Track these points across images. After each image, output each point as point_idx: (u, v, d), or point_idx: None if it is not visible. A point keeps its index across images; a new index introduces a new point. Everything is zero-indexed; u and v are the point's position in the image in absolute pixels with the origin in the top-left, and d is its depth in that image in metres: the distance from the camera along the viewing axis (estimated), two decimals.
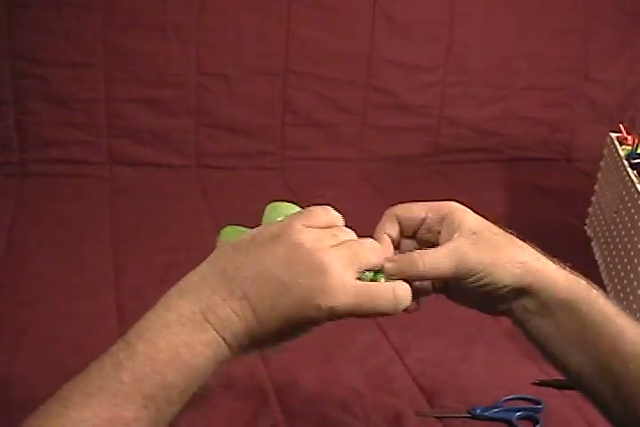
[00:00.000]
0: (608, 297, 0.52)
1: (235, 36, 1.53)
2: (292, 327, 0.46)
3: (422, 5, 1.62)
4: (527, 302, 0.52)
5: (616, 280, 1.09)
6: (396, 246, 0.54)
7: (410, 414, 0.83)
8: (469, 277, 0.50)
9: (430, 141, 1.74)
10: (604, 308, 0.51)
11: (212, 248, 0.49)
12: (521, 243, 0.53)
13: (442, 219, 0.52)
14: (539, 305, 0.51)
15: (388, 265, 0.50)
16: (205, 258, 0.48)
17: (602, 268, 1.20)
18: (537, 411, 0.83)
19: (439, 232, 0.53)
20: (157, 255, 1.17)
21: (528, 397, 0.85)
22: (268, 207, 0.54)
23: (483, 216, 0.54)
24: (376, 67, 1.63)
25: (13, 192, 1.41)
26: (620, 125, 1.29)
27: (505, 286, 0.50)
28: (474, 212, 0.54)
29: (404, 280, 0.49)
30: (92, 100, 1.49)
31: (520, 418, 0.82)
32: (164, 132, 1.56)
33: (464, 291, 0.52)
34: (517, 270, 0.50)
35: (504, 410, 0.83)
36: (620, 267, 1.08)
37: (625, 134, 1.27)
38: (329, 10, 1.57)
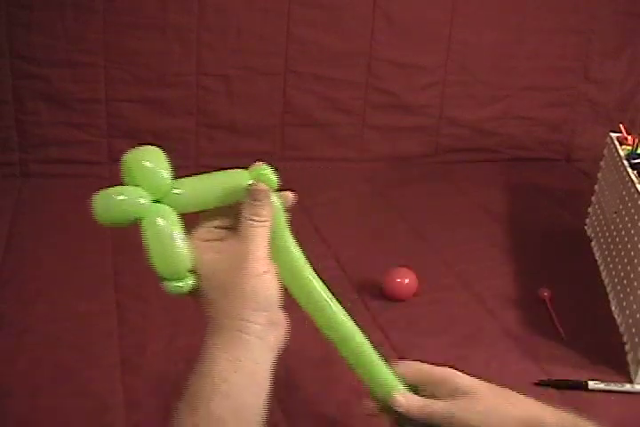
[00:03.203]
0: None
1: (235, 36, 1.53)
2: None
3: (422, 5, 1.62)
4: None
5: (616, 280, 1.09)
6: None
7: None
8: None
9: (430, 141, 1.74)
10: None
11: None
12: (514, 398, 0.54)
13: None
14: None
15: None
16: None
17: (602, 268, 1.20)
18: None
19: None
20: None
21: None
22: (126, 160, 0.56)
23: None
24: (376, 67, 1.63)
25: (13, 192, 1.41)
26: (620, 125, 1.29)
27: None
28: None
29: None
30: (92, 100, 1.49)
31: None
32: (164, 132, 1.55)
33: None
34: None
35: None
36: (620, 267, 1.08)
37: (625, 134, 1.27)
38: (329, 10, 1.57)
